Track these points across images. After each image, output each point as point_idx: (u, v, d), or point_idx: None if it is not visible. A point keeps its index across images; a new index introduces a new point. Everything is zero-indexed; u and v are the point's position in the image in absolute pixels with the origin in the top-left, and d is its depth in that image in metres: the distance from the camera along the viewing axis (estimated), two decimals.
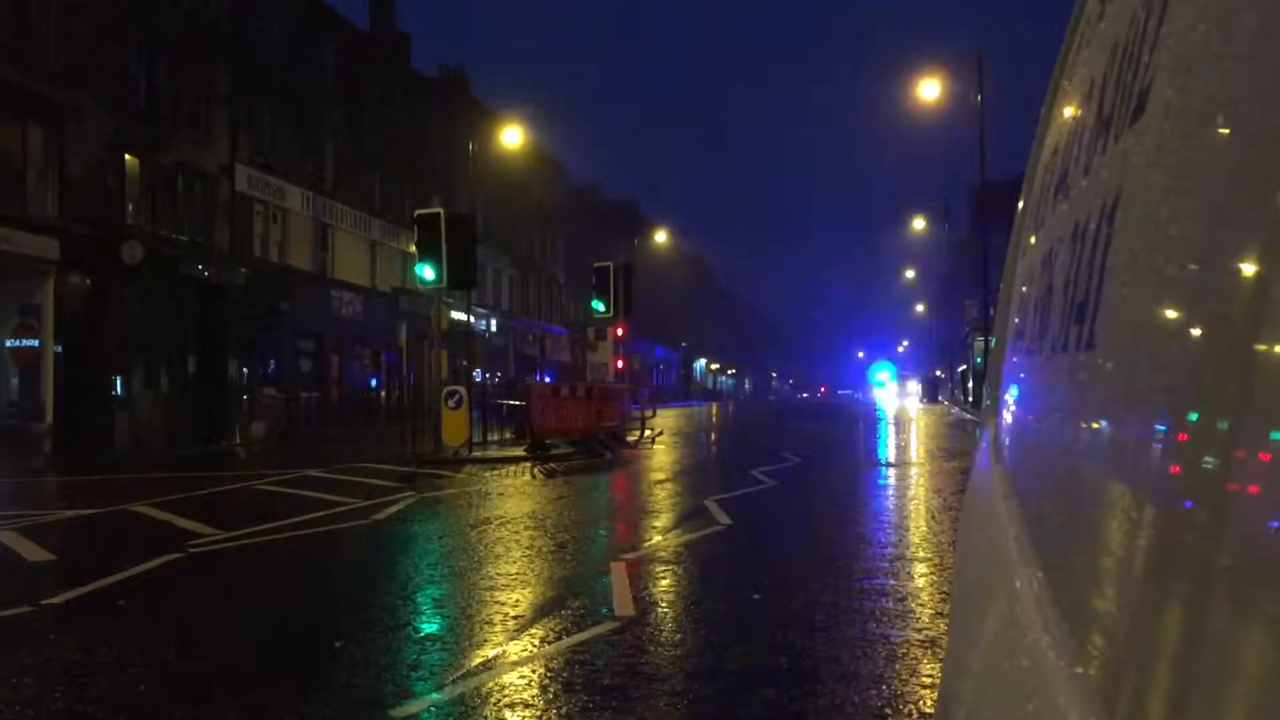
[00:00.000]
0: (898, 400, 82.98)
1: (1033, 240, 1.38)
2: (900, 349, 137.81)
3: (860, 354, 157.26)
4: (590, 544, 9.91)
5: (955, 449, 21.74)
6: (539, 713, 4.70)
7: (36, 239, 22.24)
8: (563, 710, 4.72)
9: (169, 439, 24.14)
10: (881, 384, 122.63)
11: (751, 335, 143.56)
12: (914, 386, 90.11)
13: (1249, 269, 0.47)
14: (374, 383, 39.26)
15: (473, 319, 36.20)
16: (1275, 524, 0.43)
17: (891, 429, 33.65)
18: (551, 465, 18.16)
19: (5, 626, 6.54)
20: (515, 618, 6.54)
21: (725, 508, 11.66)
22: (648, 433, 25.49)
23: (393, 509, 12.03)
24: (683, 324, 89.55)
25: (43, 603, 7.09)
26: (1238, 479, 0.46)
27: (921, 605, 6.84)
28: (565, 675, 5.25)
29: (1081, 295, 0.83)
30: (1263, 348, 0.45)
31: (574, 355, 56.53)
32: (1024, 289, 1.41)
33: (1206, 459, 0.50)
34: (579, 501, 13.30)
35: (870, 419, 41.61)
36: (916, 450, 23.18)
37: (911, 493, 14.19)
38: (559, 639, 5.97)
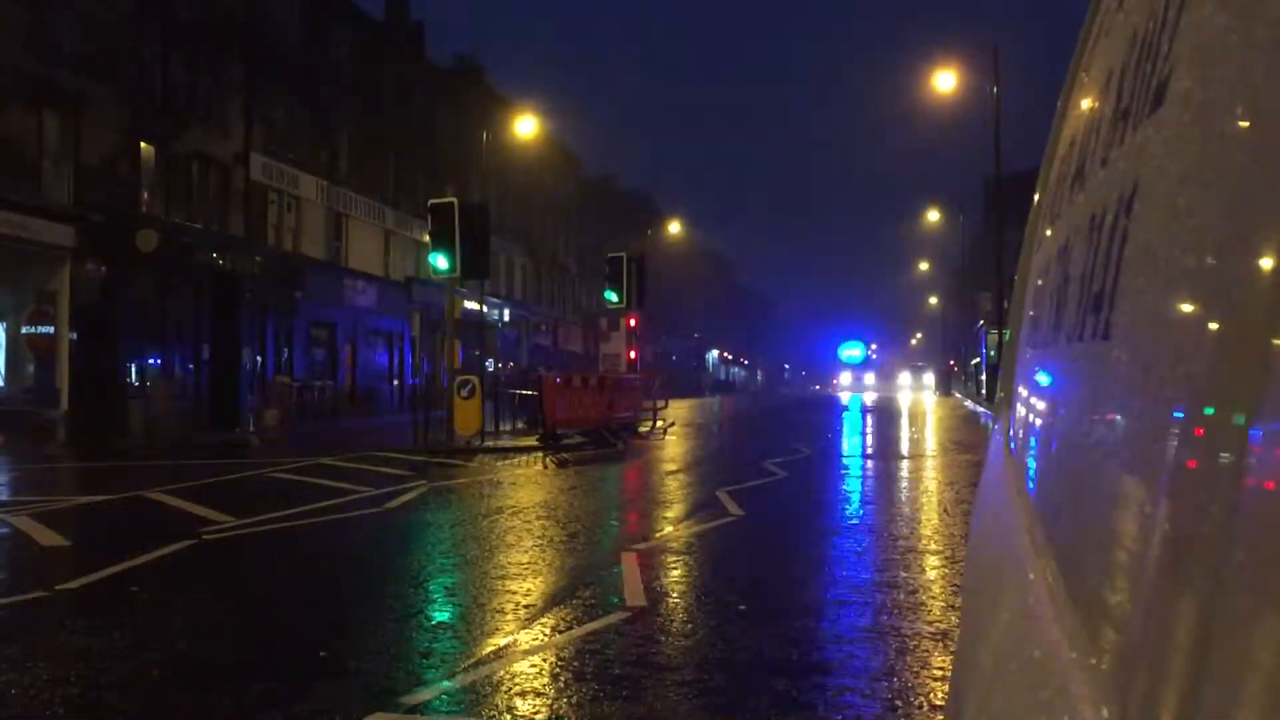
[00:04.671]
0: (910, 392, 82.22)
1: (1048, 232, 1.38)
2: (914, 342, 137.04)
3: (873, 346, 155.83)
4: (602, 534, 9.92)
5: (968, 441, 21.69)
6: (550, 701, 4.71)
7: (52, 226, 22.36)
8: (573, 699, 4.73)
9: (182, 426, 24.25)
10: (856, 360, 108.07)
11: (764, 328, 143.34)
12: (929, 379, 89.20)
13: (1267, 262, 0.47)
14: (387, 371, 39.37)
15: (486, 309, 36.24)
16: None
17: (904, 422, 33.59)
18: (563, 455, 18.19)
19: (21, 611, 6.59)
20: (526, 607, 6.56)
21: (736, 499, 11.66)
22: (659, 424, 25.52)
23: (405, 498, 12.07)
24: (696, 315, 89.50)
25: (58, 588, 7.14)
26: (1253, 473, 0.46)
27: (933, 598, 6.83)
28: (576, 664, 5.26)
29: (1098, 286, 0.83)
30: None
31: (586, 346, 56.60)
32: (1039, 281, 1.40)
33: (1222, 453, 0.49)
34: (590, 491, 13.32)
35: (883, 412, 41.52)
36: (929, 443, 23.14)
37: (924, 485, 14.17)
38: (570, 628, 5.99)
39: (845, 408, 46.93)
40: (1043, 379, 1.22)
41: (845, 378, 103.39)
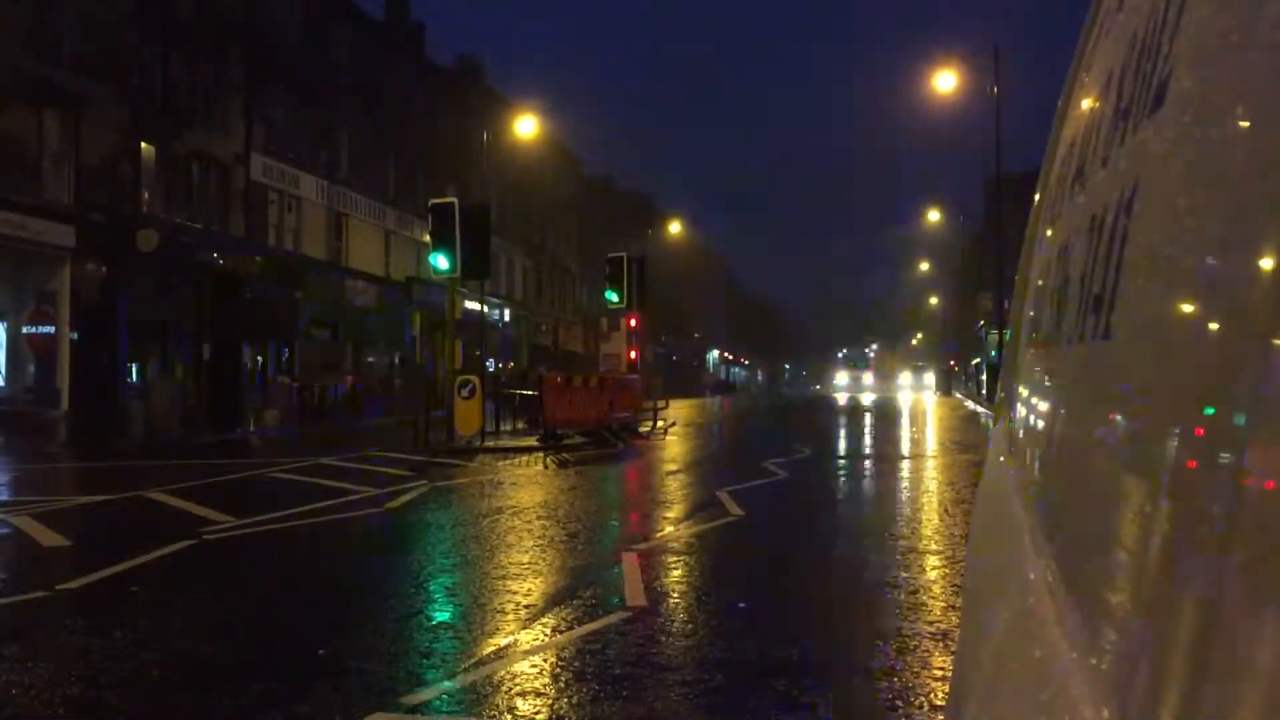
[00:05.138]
0: (910, 392, 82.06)
1: (1049, 233, 1.38)
2: (914, 342, 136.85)
3: (874, 346, 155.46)
4: (602, 534, 9.92)
5: (968, 441, 21.68)
6: (550, 701, 4.71)
7: (53, 226, 22.38)
8: (574, 699, 4.73)
9: (183, 426, 24.27)
10: (857, 363, 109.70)
11: (765, 329, 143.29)
12: (929, 379, 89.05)
13: (1268, 262, 0.47)
14: (387, 371, 39.36)
15: (486, 309, 36.25)
16: None
17: (904, 422, 33.57)
18: (564, 455, 18.18)
19: (21, 611, 6.59)
20: (527, 607, 6.56)
21: (737, 499, 11.65)
22: (660, 424, 25.52)
23: (405, 498, 12.07)
24: (696, 316, 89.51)
25: (58, 588, 7.14)
26: (1253, 474, 0.46)
27: (934, 598, 6.83)
28: (577, 664, 5.26)
29: (1098, 287, 0.83)
30: None
31: (586, 345, 56.59)
32: (1039, 282, 1.40)
33: (1222, 453, 0.49)
34: (591, 491, 13.32)
35: (883, 412, 41.50)
36: (930, 443, 23.13)
37: (924, 485, 14.15)
38: (571, 628, 5.99)
39: (845, 408, 46.91)
40: (1043, 379, 1.22)
41: (844, 377, 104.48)
